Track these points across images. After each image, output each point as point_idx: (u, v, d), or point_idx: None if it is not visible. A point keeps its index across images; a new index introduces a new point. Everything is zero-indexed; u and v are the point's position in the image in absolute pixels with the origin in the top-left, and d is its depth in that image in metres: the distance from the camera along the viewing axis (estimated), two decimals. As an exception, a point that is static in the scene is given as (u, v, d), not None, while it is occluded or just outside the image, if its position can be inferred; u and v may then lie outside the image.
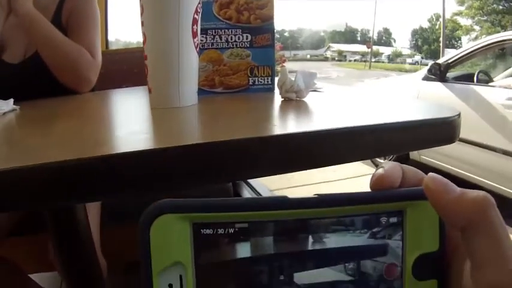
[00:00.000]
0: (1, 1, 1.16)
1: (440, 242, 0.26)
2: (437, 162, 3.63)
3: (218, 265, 0.25)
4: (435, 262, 0.26)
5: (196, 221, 0.25)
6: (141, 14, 0.68)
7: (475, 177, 3.32)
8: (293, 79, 0.73)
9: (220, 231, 0.25)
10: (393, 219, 0.26)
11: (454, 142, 0.62)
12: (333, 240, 0.26)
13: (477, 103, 3.31)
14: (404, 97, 0.80)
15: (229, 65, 0.87)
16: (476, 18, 27.20)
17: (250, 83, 0.90)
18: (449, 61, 3.79)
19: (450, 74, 3.90)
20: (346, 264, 0.26)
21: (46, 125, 0.70)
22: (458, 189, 0.25)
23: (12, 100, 0.90)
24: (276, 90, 0.81)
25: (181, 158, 0.45)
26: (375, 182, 0.27)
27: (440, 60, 3.90)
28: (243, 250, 0.25)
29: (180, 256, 0.25)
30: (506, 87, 3.21)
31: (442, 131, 0.61)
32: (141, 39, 0.71)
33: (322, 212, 0.25)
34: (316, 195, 0.25)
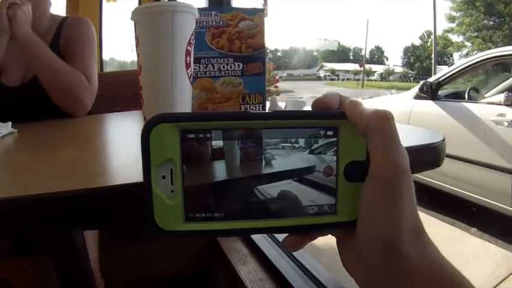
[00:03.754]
0: (4, 26, 1.18)
1: (367, 153, 0.34)
2: (430, 179, 3.65)
3: (199, 162, 0.33)
4: (362, 169, 0.33)
5: (183, 128, 0.32)
6: (137, 46, 0.70)
7: (467, 193, 3.34)
8: (283, 107, 0.75)
9: (201, 135, 0.33)
10: (330, 133, 0.34)
11: (439, 166, 0.64)
12: (282, 160, 0.34)
13: (468, 120, 3.35)
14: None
15: (222, 92, 0.88)
16: (467, 35, 27.39)
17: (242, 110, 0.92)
18: (440, 79, 3.84)
19: (442, 92, 3.95)
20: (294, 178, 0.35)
21: (44, 151, 0.71)
22: (367, 107, 0.34)
23: (10, 123, 0.92)
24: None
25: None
26: (315, 103, 0.35)
27: (431, 79, 3.95)
28: (217, 151, 0.33)
29: (171, 154, 0.32)
30: (497, 104, 3.25)
31: (427, 156, 0.62)
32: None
33: (275, 123, 0.33)
34: (271, 111, 0.31)
